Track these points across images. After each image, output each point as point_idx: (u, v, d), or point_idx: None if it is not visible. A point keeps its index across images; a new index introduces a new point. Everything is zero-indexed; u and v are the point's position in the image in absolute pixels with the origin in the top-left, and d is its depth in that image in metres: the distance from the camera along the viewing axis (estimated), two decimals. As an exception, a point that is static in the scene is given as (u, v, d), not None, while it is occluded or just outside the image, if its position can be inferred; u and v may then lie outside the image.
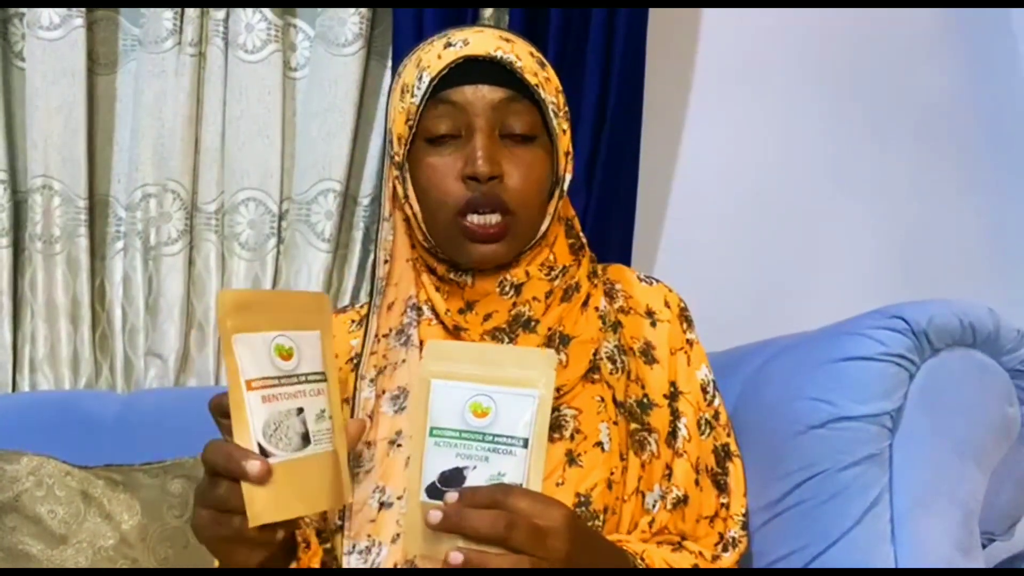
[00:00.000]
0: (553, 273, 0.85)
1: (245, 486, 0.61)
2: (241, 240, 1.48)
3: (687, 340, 0.91)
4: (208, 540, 0.66)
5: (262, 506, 0.62)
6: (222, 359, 1.32)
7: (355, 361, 0.89)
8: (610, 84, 1.47)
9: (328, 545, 0.82)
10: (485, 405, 0.67)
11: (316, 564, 0.78)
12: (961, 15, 1.84)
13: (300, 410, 0.65)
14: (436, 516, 0.64)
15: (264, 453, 0.62)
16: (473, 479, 0.66)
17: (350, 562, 0.78)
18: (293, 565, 0.75)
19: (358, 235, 1.51)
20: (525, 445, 0.66)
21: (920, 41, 1.82)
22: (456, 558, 0.63)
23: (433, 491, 0.67)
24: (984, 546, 0.96)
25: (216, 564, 0.78)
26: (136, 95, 1.46)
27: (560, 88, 0.86)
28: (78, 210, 1.42)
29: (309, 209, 1.48)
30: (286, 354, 0.66)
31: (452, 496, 0.65)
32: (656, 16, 1.53)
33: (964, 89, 1.84)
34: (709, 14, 1.70)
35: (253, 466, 0.61)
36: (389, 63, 1.49)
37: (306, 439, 0.65)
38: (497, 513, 0.64)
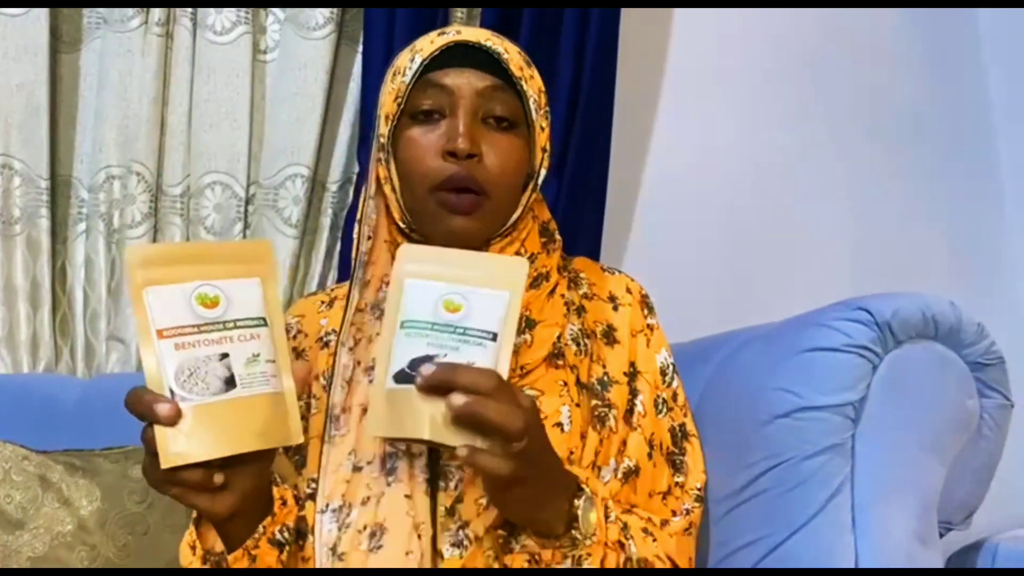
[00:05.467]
0: None
1: (156, 429, 0.63)
2: (207, 224, 1.46)
3: (647, 324, 0.94)
4: (154, 484, 0.68)
5: (175, 449, 0.63)
6: None
7: (325, 340, 0.92)
8: (582, 82, 1.47)
9: (303, 512, 0.83)
10: (457, 302, 0.69)
11: (291, 521, 0.80)
12: (926, 16, 1.87)
13: (224, 355, 0.66)
14: (429, 368, 0.65)
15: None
16: None
17: (323, 520, 0.80)
18: (267, 521, 0.76)
19: (326, 221, 1.49)
20: (495, 339, 0.68)
21: (886, 42, 1.85)
22: (458, 400, 0.64)
23: (402, 376, 0.68)
24: (941, 535, 0.98)
25: (184, 562, 0.78)
26: (101, 74, 1.43)
27: (543, 89, 0.92)
28: (39, 191, 1.39)
29: (276, 194, 1.47)
30: (210, 302, 0.67)
31: (429, 367, 0.66)
32: (628, 16, 1.54)
33: (929, 89, 1.87)
34: (681, 15, 1.72)
35: (161, 408, 0.63)
36: (360, 48, 1.48)
37: (230, 383, 0.66)
38: (487, 371, 0.66)
